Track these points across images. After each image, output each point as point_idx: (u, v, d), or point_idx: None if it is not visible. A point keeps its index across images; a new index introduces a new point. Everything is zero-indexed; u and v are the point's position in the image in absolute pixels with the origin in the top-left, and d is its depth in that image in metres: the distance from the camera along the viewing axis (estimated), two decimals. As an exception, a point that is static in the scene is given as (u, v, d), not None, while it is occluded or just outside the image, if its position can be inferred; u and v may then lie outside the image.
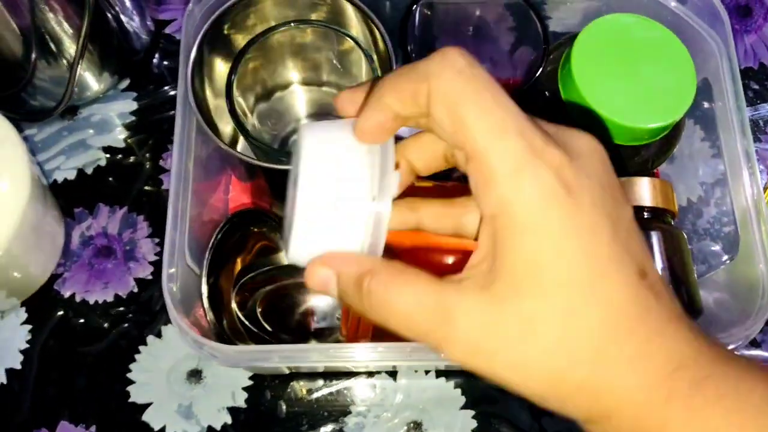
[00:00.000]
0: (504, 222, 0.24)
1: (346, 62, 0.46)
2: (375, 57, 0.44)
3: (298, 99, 0.51)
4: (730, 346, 0.41)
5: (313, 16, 0.45)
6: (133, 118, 0.58)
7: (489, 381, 0.25)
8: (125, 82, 0.58)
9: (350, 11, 0.44)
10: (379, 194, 0.27)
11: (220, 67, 0.44)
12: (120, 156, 0.57)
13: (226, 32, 0.43)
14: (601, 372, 0.24)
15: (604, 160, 0.26)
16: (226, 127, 0.47)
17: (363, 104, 0.27)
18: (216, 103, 0.45)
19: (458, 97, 0.25)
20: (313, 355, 0.42)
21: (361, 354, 0.40)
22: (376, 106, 0.27)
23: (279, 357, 0.42)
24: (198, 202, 0.50)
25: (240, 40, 0.44)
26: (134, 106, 0.58)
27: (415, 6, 0.45)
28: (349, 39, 0.43)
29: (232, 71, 0.42)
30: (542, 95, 0.47)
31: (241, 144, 0.51)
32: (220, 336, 0.47)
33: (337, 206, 0.27)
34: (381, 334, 0.40)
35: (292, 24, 0.43)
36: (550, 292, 0.24)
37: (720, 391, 0.24)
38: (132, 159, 0.57)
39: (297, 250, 0.28)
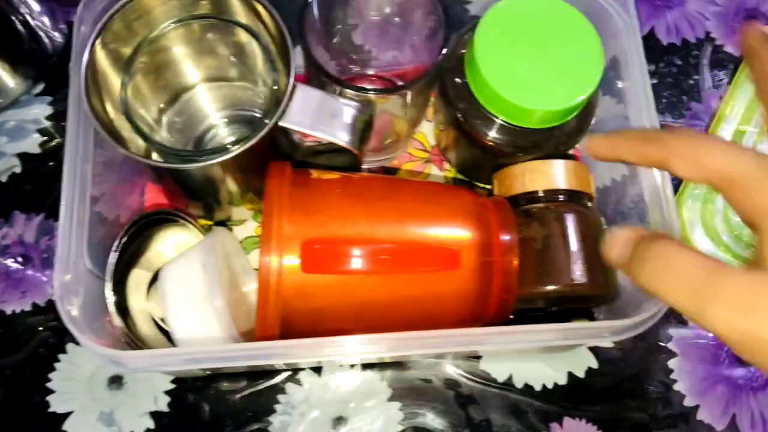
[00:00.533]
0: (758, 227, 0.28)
1: (242, 54, 0.45)
2: (270, 42, 0.43)
3: (206, 98, 0.50)
4: (646, 324, 0.41)
5: (194, 10, 0.44)
6: (49, 123, 0.57)
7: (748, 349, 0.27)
8: (39, 87, 0.57)
9: (233, 1, 0.43)
10: (210, 296, 0.41)
11: (113, 74, 0.43)
12: (36, 162, 0.56)
13: (113, 41, 0.42)
14: None
15: None
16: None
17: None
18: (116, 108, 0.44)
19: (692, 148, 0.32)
20: (218, 355, 0.42)
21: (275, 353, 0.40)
22: (614, 147, 0.35)
23: (184, 360, 0.41)
24: (114, 205, 0.49)
25: (127, 50, 0.43)
26: (49, 110, 0.57)
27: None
28: (238, 28, 0.42)
29: (124, 80, 0.41)
30: (453, 81, 0.46)
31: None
32: (132, 340, 0.46)
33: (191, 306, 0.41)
34: (289, 330, 0.40)
35: (171, 24, 0.42)
36: None
37: None
38: (49, 165, 0.56)
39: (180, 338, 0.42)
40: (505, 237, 0.42)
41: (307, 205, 0.41)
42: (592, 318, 0.50)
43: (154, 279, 0.48)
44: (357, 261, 0.39)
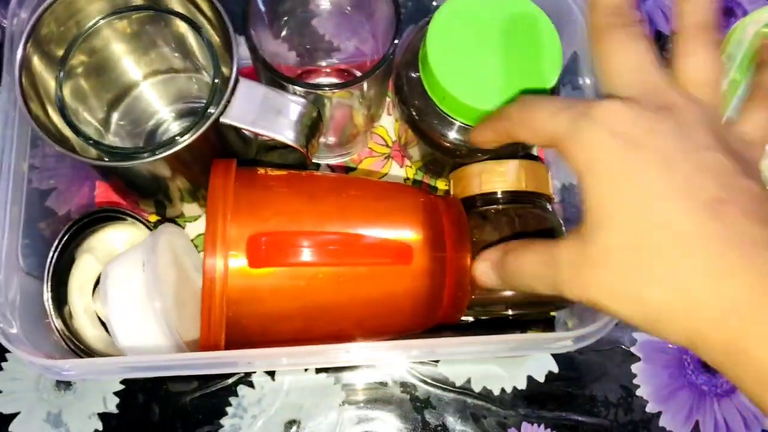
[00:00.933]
0: (580, 179, 0.29)
1: (183, 45, 0.44)
2: (211, 32, 0.41)
3: (152, 93, 0.49)
4: (601, 332, 0.40)
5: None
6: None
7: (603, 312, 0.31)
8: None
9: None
10: (150, 297, 0.40)
11: (50, 74, 0.42)
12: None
13: (48, 38, 0.41)
14: (678, 292, 0.26)
15: (688, 113, 0.29)
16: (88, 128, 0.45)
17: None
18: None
19: (526, 115, 0.33)
20: (156, 365, 0.40)
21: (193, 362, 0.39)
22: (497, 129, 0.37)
23: (120, 368, 0.40)
24: (65, 200, 0.48)
25: (63, 47, 0.42)
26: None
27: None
28: (176, 19, 0.40)
29: (60, 74, 0.39)
30: (409, 75, 0.45)
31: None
32: (74, 343, 0.45)
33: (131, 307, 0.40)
34: (238, 333, 0.38)
35: (103, 19, 0.40)
36: (616, 223, 0.28)
37: None
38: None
39: (121, 342, 0.40)
40: (457, 234, 0.41)
41: (252, 203, 0.39)
42: (552, 322, 0.48)
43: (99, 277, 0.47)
44: (305, 252, 0.38)
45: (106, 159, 0.39)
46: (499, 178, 0.44)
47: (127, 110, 0.48)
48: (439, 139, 0.44)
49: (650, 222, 0.27)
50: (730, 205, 0.27)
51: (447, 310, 0.41)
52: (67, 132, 0.41)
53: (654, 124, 0.28)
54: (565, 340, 0.40)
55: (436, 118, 0.43)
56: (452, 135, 0.44)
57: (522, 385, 0.50)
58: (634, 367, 0.51)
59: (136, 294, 0.40)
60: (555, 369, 0.50)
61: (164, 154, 0.38)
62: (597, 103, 0.29)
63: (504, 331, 0.44)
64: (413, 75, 0.44)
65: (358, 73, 0.52)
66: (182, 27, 0.42)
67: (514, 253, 0.35)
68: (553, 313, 0.48)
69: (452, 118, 0.42)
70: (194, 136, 0.38)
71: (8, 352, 0.48)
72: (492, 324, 0.48)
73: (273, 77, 0.41)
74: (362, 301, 0.40)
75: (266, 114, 0.39)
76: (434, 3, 0.53)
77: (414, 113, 0.44)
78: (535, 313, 0.47)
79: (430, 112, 0.43)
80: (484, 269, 0.37)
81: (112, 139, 0.47)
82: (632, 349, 0.51)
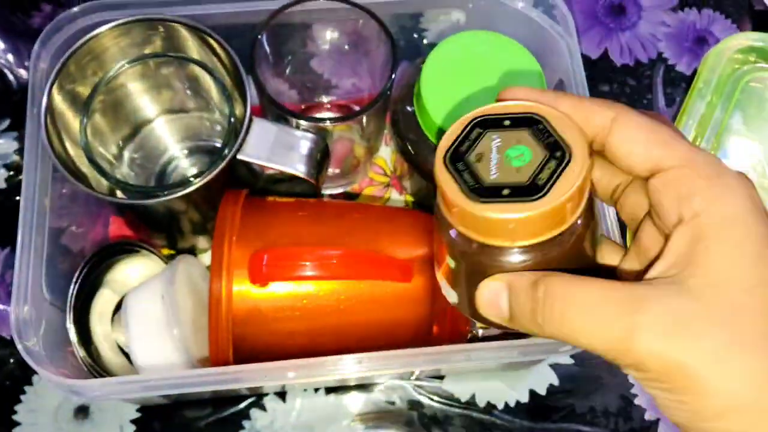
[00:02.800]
0: (703, 227, 0.25)
1: (198, 86, 0.47)
2: (224, 75, 0.44)
3: (165, 130, 0.52)
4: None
5: (148, 48, 0.45)
6: (15, 157, 0.57)
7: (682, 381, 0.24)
8: (5, 123, 0.58)
9: (185, 34, 0.44)
10: (169, 325, 0.42)
11: (72, 116, 0.44)
12: (2, 197, 0.56)
13: (70, 83, 0.44)
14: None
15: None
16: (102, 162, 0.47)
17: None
18: (78, 150, 0.45)
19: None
20: (176, 382, 0.42)
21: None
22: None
23: (142, 387, 0.42)
24: (79, 237, 0.50)
25: (84, 90, 0.45)
26: (15, 146, 0.58)
27: (259, 36, 0.45)
28: (191, 63, 0.43)
29: (82, 119, 0.42)
30: (404, 110, 0.47)
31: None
32: (96, 370, 0.47)
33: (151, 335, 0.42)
34: (246, 353, 0.40)
35: (126, 65, 0.43)
36: (754, 288, 0.24)
37: None
38: (15, 199, 0.56)
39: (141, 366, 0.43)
40: None
41: (258, 227, 0.41)
42: None
43: (119, 307, 0.49)
44: (307, 265, 0.39)
45: (127, 197, 0.41)
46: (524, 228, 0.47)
47: (140, 146, 0.50)
48: (431, 172, 0.46)
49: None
50: None
51: (449, 331, 0.43)
52: (84, 168, 0.44)
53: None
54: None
55: (429, 150, 0.45)
56: None
57: (525, 398, 0.52)
58: (632, 377, 0.53)
59: (156, 322, 0.43)
60: (555, 382, 0.52)
61: (183, 192, 0.40)
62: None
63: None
64: (408, 109, 0.46)
65: (357, 108, 0.55)
66: (196, 69, 0.45)
67: (557, 279, 0.27)
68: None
69: None
70: (215, 173, 0.41)
71: (27, 385, 0.51)
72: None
73: (279, 113, 0.44)
74: (365, 319, 0.42)
75: (279, 150, 0.42)
76: (425, 41, 0.57)
77: (408, 145, 0.47)
78: None
79: (423, 145, 0.45)
80: (495, 291, 0.28)
81: (124, 172, 0.49)
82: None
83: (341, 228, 0.43)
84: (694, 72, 0.61)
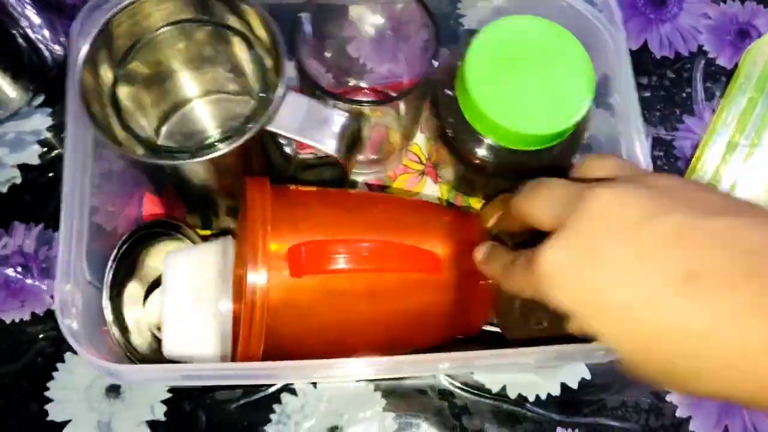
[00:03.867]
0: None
1: (238, 67, 0.46)
2: (263, 50, 0.44)
3: (204, 111, 0.51)
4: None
5: (187, 15, 0.44)
6: (49, 134, 0.57)
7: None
8: (40, 98, 0.58)
9: (226, 8, 0.44)
10: (222, 297, 0.41)
11: (109, 83, 0.44)
12: (36, 173, 0.56)
13: (109, 49, 0.43)
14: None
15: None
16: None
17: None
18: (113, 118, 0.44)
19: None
20: (213, 373, 0.42)
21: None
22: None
23: (181, 376, 0.42)
24: (112, 216, 0.49)
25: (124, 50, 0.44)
26: (49, 122, 0.57)
27: (301, 16, 0.44)
28: (233, 38, 0.43)
29: (117, 71, 0.42)
30: (445, 93, 0.46)
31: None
32: (129, 351, 0.47)
33: (194, 307, 0.42)
34: (276, 342, 0.40)
35: (165, 27, 0.43)
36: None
37: None
38: (48, 176, 0.56)
39: (169, 344, 0.42)
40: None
41: (290, 217, 0.41)
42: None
43: (149, 291, 0.49)
44: (342, 258, 0.39)
45: (163, 158, 0.41)
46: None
47: (177, 125, 0.50)
48: (471, 157, 0.46)
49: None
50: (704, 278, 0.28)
51: (471, 322, 0.44)
52: (121, 138, 0.44)
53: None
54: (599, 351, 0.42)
55: (468, 135, 0.45)
56: (483, 153, 0.45)
57: (556, 391, 0.52)
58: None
59: (199, 291, 0.42)
60: (588, 376, 0.52)
61: (212, 155, 0.39)
62: (589, 191, 0.32)
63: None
64: (448, 93, 0.46)
65: (394, 94, 0.55)
66: (238, 49, 0.44)
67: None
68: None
69: (484, 136, 0.44)
70: (242, 140, 0.39)
71: (59, 362, 0.51)
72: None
73: (319, 93, 0.43)
74: (394, 310, 0.42)
75: (311, 124, 0.41)
76: (463, 27, 0.56)
77: (448, 130, 0.46)
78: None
79: (463, 130, 0.45)
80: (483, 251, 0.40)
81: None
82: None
83: (371, 219, 0.43)
84: (735, 66, 0.60)
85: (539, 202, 0.34)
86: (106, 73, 0.43)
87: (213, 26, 0.44)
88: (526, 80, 0.42)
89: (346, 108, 0.43)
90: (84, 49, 0.41)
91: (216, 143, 0.40)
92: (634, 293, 0.29)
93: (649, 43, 0.62)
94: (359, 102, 0.44)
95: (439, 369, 0.44)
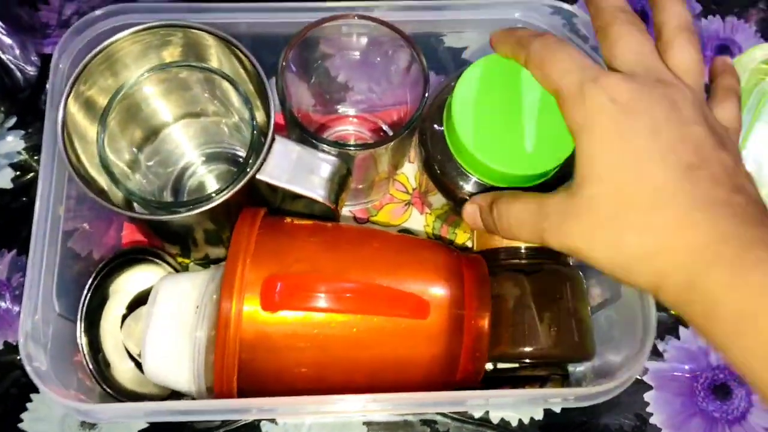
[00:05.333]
0: (575, 135, 0.33)
1: (215, 90, 0.45)
2: (247, 82, 0.43)
3: (182, 135, 0.50)
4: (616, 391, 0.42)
5: (168, 54, 0.44)
6: (22, 157, 0.56)
7: (577, 258, 0.34)
8: (12, 120, 0.57)
9: (209, 41, 0.43)
10: (200, 326, 0.40)
11: (88, 122, 0.43)
12: (8, 198, 0.55)
13: (88, 89, 0.42)
14: (648, 239, 0.31)
15: (676, 93, 0.33)
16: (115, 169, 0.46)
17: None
18: (90, 154, 0.43)
19: (543, 58, 0.35)
20: (182, 410, 0.41)
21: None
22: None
23: (146, 413, 0.41)
24: (87, 241, 0.48)
25: (103, 95, 0.43)
26: (22, 144, 0.56)
27: (287, 51, 0.43)
28: (223, 81, 0.42)
29: (99, 131, 0.41)
30: (433, 128, 0.45)
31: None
32: (107, 383, 0.46)
33: (174, 335, 0.41)
34: (251, 378, 0.39)
35: (145, 74, 0.42)
36: (601, 176, 0.32)
37: (762, 256, 0.28)
38: (22, 200, 0.55)
39: (149, 365, 0.41)
40: (478, 293, 0.42)
41: (274, 249, 0.40)
42: (566, 372, 0.50)
43: (127, 314, 0.48)
44: (321, 297, 0.39)
45: (151, 212, 0.40)
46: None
47: (157, 151, 0.49)
48: (457, 191, 0.45)
49: (633, 178, 0.31)
50: (702, 171, 0.31)
51: (465, 371, 0.42)
52: (95, 174, 0.43)
53: (649, 96, 0.32)
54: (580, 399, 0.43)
55: (456, 171, 0.43)
56: (470, 188, 0.44)
57: (539, 416, 0.51)
58: (647, 396, 0.52)
59: (182, 326, 0.41)
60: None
61: (202, 209, 0.39)
62: (604, 73, 0.33)
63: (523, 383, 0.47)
64: (436, 128, 0.44)
65: (381, 122, 0.54)
66: (224, 89, 0.44)
67: (503, 199, 0.37)
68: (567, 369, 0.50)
69: (470, 173, 0.42)
70: (231, 192, 0.40)
71: (33, 392, 0.50)
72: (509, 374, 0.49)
73: (302, 133, 0.42)
74: (377, 353, 0.40)
75: (300, 172, 0.41)
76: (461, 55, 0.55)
77: (435, 165, 0.45)
78: (551, 369, 0.48)
79: (450, 166, 0.44)
80: (472, 212, 0.40)
81: (139, 179, 0.48)
82: (644, 378, 0.53)
83: (359, 256, 0.42)
84: (717, 83, 0.60)
85: (552, 63, 0.35)
86: (84, 119, 0.43)
87: (200, 70, 0.43)
88: (515, 118, 0.40)
89: (335, 152, 0.42)
90: (62, 98, 0.41)
91: (212, 195, 0.40)
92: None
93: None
94: (344, 145, 0.43)
95: (423, 407, 0.43)
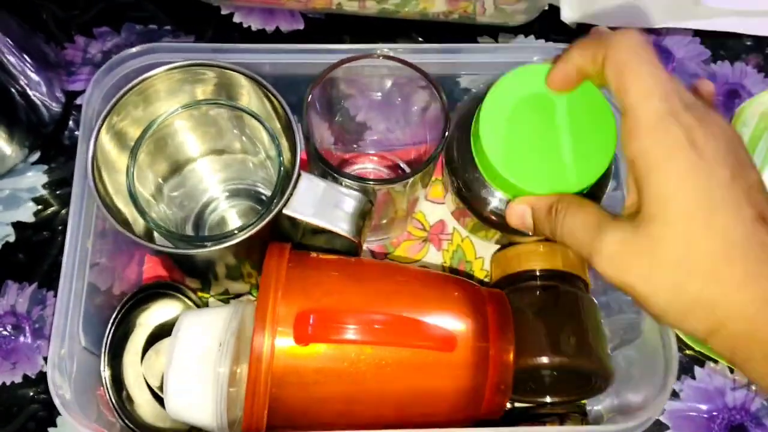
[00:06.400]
0: (641, 165, 0.32)
1: (244, 127, 0.46)
2: (275, 120, 0.44)
3: (207, 170, 0.51)
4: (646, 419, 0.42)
5: (200, 91, 0.45)
6: (44, 191, 0.57)
7: (627, 294, 0.33)
8: (35, 155, 0.58)
9: (239, 80, 0.44)
10: (223, 362, 0.41)
11: (117, 153, 0.44)
12: (30, 231, 0.55)
13: (120, 121, 0.43)
14: (714, 287, 0.30)
15: (734, 137, 0.33)
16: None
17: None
18: (117, 185, 0.44)
19: (625, 66, 0.33)
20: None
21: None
22: (565, 60, 0.38)
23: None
24: (108, 275, 0.49)
25: (134, 128, 0.44)
26: (45, 179, 0.57)
27: (312, 90, 0.44)
28: (250, 118, 0.43)
29: (130, 165, 0.42)
30: (460, 147, 0.45)
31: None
32: (128, 417, 0.46)
33: (197, 370, 0.41)
34: (280, 409, 0.39)
35: (180, 110, 0.43)
36: (673, 219, 0.31)
37: None
38: (43, 234, 0.56)
39: (171, 402, 0.42)
40: (502, 327, 0.42)
41: (303, 283, 0.41)
42: (584, 412, 0.50)
43: (146, 347, 0.48)
44: (353, 330, 0.39)
45: (177, 246, 0.41)
46: (538, 257, 0.47)
47: (181, 184, 0.50)
48: (487, 213, 0.46)
49: (705, 226, 0.31)
50: (764, 222, 0.31)
51: (489, 403, 0.42)
52: (120, 205, 0.44)
53: (711, 136, 0.32)
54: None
55: (484, 191, 0.44)
56: (500, 208, 0.45)
57: (557, 453, 0.51)
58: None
59: (207, 352, 0.42)
60: (589, 437, 0.52)
61: (234, 242, 0.40)
62: (683, 109, 0.32)
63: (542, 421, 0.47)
64: (464, 147, 0.44)
65: (400, 161, 0.55)
66: (251, 126, 0.45)
67: (568, 205, 0.36)
68: (584, 402, 0.50)
69: (500, 192, 0.43)
70: (261, 226, 0.40)
71: (51, 426, 0.50)
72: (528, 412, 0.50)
73: (327, 170, 0.43)
74: (404, 387, 0.41)
75: (325, 207, 0.42)
76: (459, 85, 0.56)
77: (462, 186, 0.46)
78: (570, 407, 0.49)
79: (478, 185, 0.44)
80: (521, 211, 0.39)
81: (162, 210, 0.48)
82: (660, 418, 0.53)
83: (385, 290, 0.42)
84: (727, 126, 0.61)
85: (641, 81, 0.33)
86: (114, 152, 0.44)
87: (231, 108, 0.44)
88: (544, 136, 0.40)
89: (358, 187, 0.43)
90: (94, 132, 0.42)
91: (235, 231, 0.41)
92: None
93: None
94: (365, 180, 0.44)
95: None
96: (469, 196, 0.46)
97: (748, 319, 0.30)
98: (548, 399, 0.48)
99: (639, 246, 0.32)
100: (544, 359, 0.44)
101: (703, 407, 0.53)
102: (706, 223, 0.31)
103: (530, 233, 0.41)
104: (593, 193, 0.42)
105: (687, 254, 0.31)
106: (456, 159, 0.46)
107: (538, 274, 0.46)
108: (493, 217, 0.46)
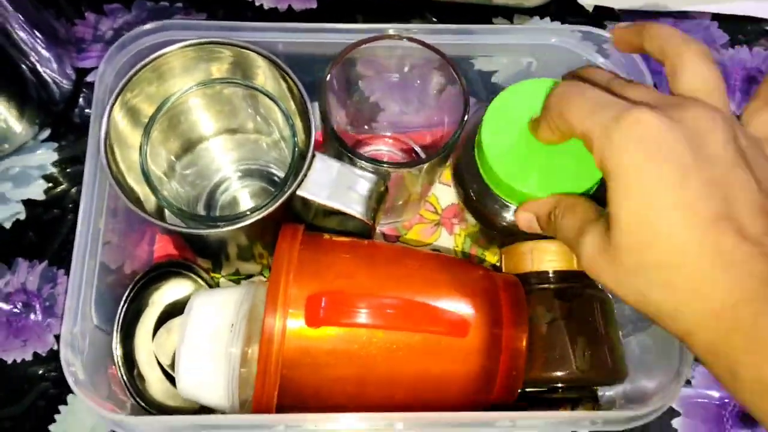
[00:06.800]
0: (606, 179, 0.32)
1: (258, 107, 0.46)
2: (290, 100, 0.44)
3: (220, 149, 0.51)
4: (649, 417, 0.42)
5: (215, 69, 0.44)
6: (54, 169, 0.56)
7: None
8: (45, 133, 0.57)
9: (254, 59, 0.43)
10: (235, 342, 0.41)
11: (130, 130, 0.44)
12: (40, 209, 0.55)
13: (134, 98, 0.43)
14: (671, 296, 0.30)
15: (699, 129, 0.31)
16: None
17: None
18: (129, 162, 0.44)
19: (561, 109, 0.34)
20: (221, 424, 0.41)
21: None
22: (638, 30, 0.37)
23: (188, 426, 0.41)
24: (119, 254, 0.49)
25: (147, 105, 0.44)
26: (55, 156, 0.57)
27: (330, 71, 0.44)
28: (265, 98, 0.43)
29: (143, 142, 0.41)
30: (467, 152, 0.45)
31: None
32: (140, 395, 0.46)
33: (208, 350, 0.41)
34: (291, 390, 0.39)
35: (195, 87, 0.42)
36: (628, 230, 0.31)
37: None
38: (53, 212, 0.55)
39: (183, 381, 0.42)
40: (515, 313, 0.42)
41: (315, 265, 0.40)
42: (596, 397, 0.50)
43: (157, 325, 0.48)
44: (363, 313, 0.39)
45: (189, 226, 0.40)
46: (550, 256, 0.46)
47: (194, 162, 0.49)
48: (493, 219, 0.45)
49: (656, 232, 0.30)
50: (727, 221, 0.29)
51: (500, 389, 0.42)
52: (132, 183, 0.43)
53: (674, 134, 0.30)
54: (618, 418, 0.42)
55: (490, 199, 0.44)
56: (505, 215, 0.44)
57: (566, 442, 0.51)
58: (675, 422, 0.52)
59: (219, 332, 0.41)
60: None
61: (247, 222, 0.40)
62: (626, 109, 0.31)
63: (554, 406, 0.47)
64: (470, 156, 0.44)
65: (414, 144, 0.54)
66: (266, 106, 0.44)
67: (561, 207, 0.37)
68: (596, 388, 0.50)
69: (505, 200, 0.42)
70: (274, 207, 0.40)
71: (62, 404, 0.50)
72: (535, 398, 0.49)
73: (342, 150, 0.43)
74: (415, 371, 0.41)
75: (339, 189, 0.41)
76: (492, 80, 0.56)
77: (471, 193, 0.45)
78: (583, 392, 0.48)
79: (484, 192, 0.44)
80: (529, 218, 0.40)
81: (174, 187, 0.48)
82: (673, 405, 0.52)
83: (397, 274, 0.42)
84: (743, 112, 0.61)
85: (572, 111, 0.33)
86: (128, 130, 0.43)
87: (245, 87, 0.44)
88: (545, 146, 0.39)
89: (373, 169, 0.42)
90: (107, 109, 0.41)
91: (247, 212, 0.40)
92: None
93: (657, 85, 0.62)
94: (381, 163, 0.43)
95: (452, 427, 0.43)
96: (478, 206, 0.45)
97: (708, 330, 0.29)
98: (561, 385, 0.48)
99: (607, 252, 0.32)
100: (557, 373, 0.44)
101: (715, 394, 0.53)
102: (656, 230, 0.30)
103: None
104: (597, 195, 0.41)
105: (643, 263, 0.31)
106: (461, 169, 0.46)
107: (551, 276, 0.46)
108: (500, 224, 0.45)
